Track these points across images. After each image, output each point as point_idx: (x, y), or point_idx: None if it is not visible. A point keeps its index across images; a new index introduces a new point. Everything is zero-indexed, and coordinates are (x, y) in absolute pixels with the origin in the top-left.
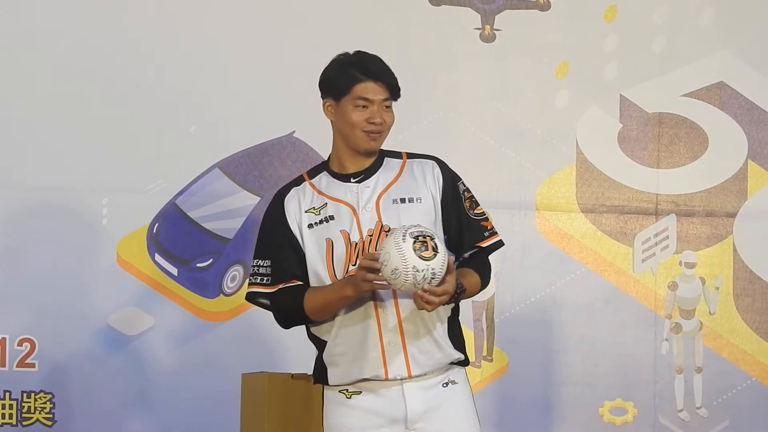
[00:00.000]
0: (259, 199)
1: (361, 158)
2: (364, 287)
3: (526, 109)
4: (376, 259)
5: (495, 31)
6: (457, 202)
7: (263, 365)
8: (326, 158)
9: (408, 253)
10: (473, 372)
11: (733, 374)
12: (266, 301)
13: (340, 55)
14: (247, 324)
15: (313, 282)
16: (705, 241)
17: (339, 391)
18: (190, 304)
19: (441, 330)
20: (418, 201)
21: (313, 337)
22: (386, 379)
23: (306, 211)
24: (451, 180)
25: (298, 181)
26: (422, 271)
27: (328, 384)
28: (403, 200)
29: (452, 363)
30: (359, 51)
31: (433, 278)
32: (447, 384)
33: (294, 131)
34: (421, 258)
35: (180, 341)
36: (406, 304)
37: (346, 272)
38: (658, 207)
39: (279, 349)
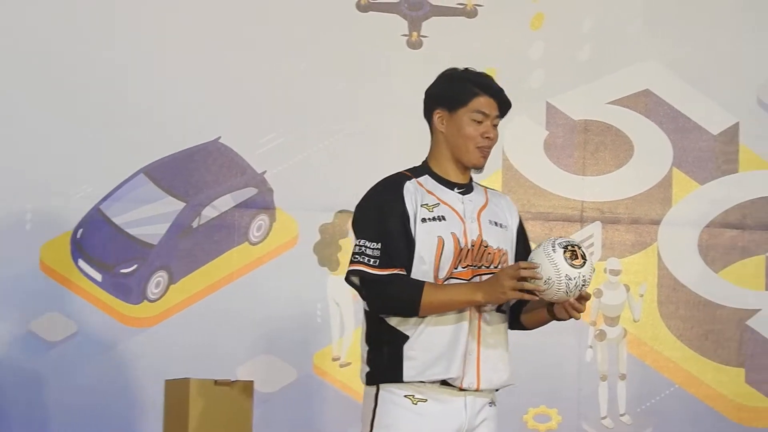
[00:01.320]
0: (184, 204)
1: (463, 172)
2: (511, 296)
3: None
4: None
5: (422, 38)
6: (524, 237)
7: (187, 371)
8: (422, 162)
9: (560, 263)
10: None
11: (656, 381)
12: (358, 282)
13: (450, 70)
14: (171, 330)
15: (414, 275)
16: (629, 248)
17: (405, 396)
18: (114, 310)
19: (508, 352)
20: (505, 228)
21: (389, 329)
22: (460, 388)
23: (421, 205)
24: (519, 216)
25: (405, 176)
26: (574, 279)
27: (401, 380)
28: (496, 223)
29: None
30: (468, 68)
31: (584, 285)
32: (492, 404)
33: (219, 137)
34: (573, 266)
35: (103, 347)
36: (489, 318)
37: (449, 273)
38: (584, 214)
39: (203, 355)
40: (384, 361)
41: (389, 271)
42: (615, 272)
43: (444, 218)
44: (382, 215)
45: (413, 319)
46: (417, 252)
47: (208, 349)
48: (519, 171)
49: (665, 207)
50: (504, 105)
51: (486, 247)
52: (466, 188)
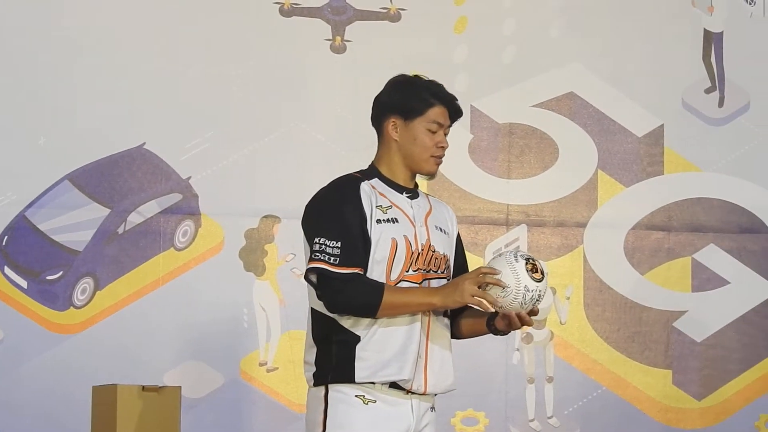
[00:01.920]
0: (109, 211)
1: (411, 177)
2: (469, 301)
3: None
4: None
5: (345, 42)
6: (461, 246)
7: (114, 377)
8: (370, 166)
9: (522, 273)
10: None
11: (583, 384)
12: (315, 280)
13: (403, 77)
14: (98, 336)
15: (367, 275)
16: (555, 251)
17: (356, 396)
18: (40, 316)
19: (452, 357)
20: (447, 234)
21: (340, 330)
22: (409, 390)
23: (376, 207)
24: (456, 225)
25: (358, 177)
26: (532, 291)
27: (353, 380)
28: (440, 229)
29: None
30: (418, 75)
31: (538, 300)
32: (432, 408)
33: (144, 143)
34: (533, 279)
35: (30, 354)
36: (438, 322)
37: (401, 276)
38: (509, 217)
39: (130, 361)
40: (333, 362)
41: (349, 270)
42: None
43: (397, 221)
44: (340, 214)
45: (366, 321)
46: (371, 253)
47: (135, 355)
48: (444, 174)
49: (591, 209)
50: (457, 113)
51: (434, 252)
52: (413, 193)
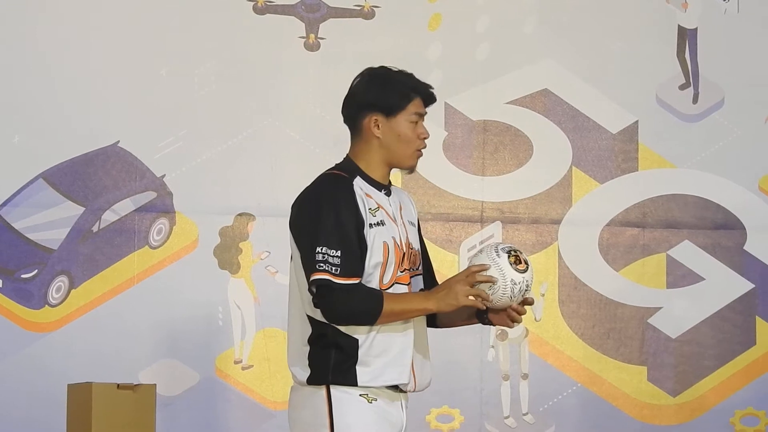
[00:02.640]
0: (83, 209)
1: (387, 174)
2: (463, 302)
3: None
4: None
5: (319, 40)
6: (420, 233)
7: (89, 376)
8: (348, 163)
9: (506, 267)
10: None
11: (558, 380)
12: (318, 290)
13: (377, 70)
14: (73, 335)
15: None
16: (530, 248)
17: (360, 395)
18: (15, 315)
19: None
20: (415, 226)
21: (336, 332)
22: (403, 390)
23: (369, 210)
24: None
25: (346, 177)
26: (519, 283)
27: (356, 384)
28: (411, 223)
29: None
30: (389, 67)
31: (527, 290)
32: (407, 405)
33: (118, 141)
34: (518, 271)
35: (5, 352)
36: (420, 320)
37: (393, 279)
38: (484, 214)
39: (105, 359)
40: (332, 363)
41: (350, 281)
42: None
43: (384, 223)
44: (340, 221)
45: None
46: (366, 258)
47: (110, 354)
48: (418, 172)
49: (565, 206)
50: (431, 100)
51: (412, 249)
52: (389, 189)
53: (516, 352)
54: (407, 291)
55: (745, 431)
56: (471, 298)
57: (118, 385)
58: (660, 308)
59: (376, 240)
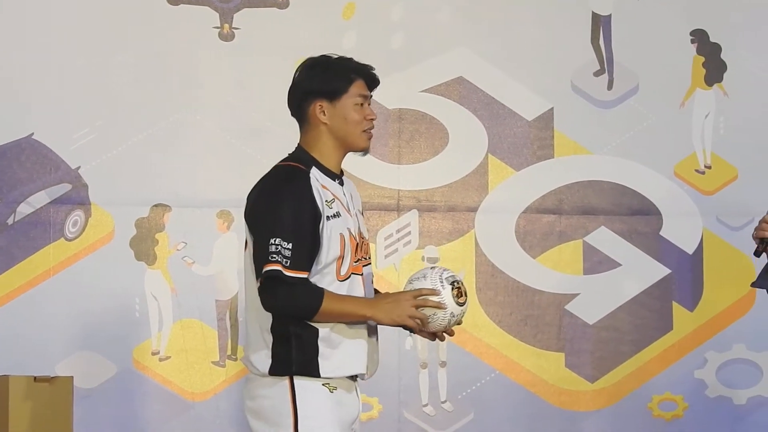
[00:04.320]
0: None
1: (340, 161)
2: (407, 322)
3: (267, 107)
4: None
5: (234, 30)
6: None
7: (4, 368)
8: (302, 154)
9: (448, 299)
10: (218, 371)
11: (476, 368)
12: (266, 280)
13: (320, 58)
14: None
15: (314, 271)
16: (447, 235)
17: (322, 384)
18: None
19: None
20: (363, 215)
21: (298, 323)
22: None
23: (325, 202)
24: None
25: (303, 170)
26: (456, 316)
27: (318, 375)
28: (360, 212)
29: None
30: (330, 54)
31: (459, 322)
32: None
33: (32, 133)
34: (458, 304)
35: None
36: None
37: (350, 269)
38: (400, 203)
39: (21, 352)
40: (294, 354)
41: (299, 274)
42: (432, 260)
43: (339, 214)
44: (296, 213)
45: None
46: (324, 252)
47: (26, 346)
48: None
49: (481, 194)
50: (375, 82)
51: (363, 239)
52: (341, 179)
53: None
54: (361, 281)
55: (663, 416)
56: (414, 321)
57: (35, 377)
58: (577, 294)
59: (333, 232)
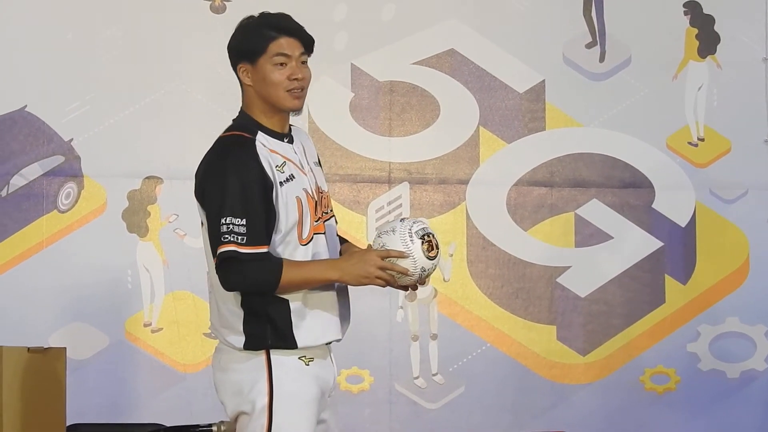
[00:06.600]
0: None
1: (285, 119)
2: (374, 282)
3: None
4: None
5: (225, 2)
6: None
7: None
8: (246, 119)
9: (418, 255)
10: (210, 343)
11: (467, 340)
12: (221, 259)
13: (245, 19)
14: None
15: (276, 241)
16: (438, 208)
17: (298, 358)
18: None
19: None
20: (320, 165)
21: (269, 297)
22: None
23: (275, 167)
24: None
25: (248, 138)
26: (427, 270)
27: (296, 346)
28: (316, 163)
29: None
30: (264, 12)
31: (432, 272)
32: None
33: (26, 105)
34: (429, 258)
35: None
36: None
37: (312, 231)
38: (391, 175)
39: (15, 323)
40: (268, 328)
41: (257, 249)
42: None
43: (293, 177)
44: (244, 187)
45: None
46: (283, 219)
47: (19, 318)
48: (325, 133)
49: (473, 166)
50: (306, 41)
51: (322, 192)
52: (290, 136)
53: (425, 313)
54: (324, 240)
55: (655, 389)
56: (380, 280)
57: (29, 348)
58: (569, 267)
59: (289, 198)
